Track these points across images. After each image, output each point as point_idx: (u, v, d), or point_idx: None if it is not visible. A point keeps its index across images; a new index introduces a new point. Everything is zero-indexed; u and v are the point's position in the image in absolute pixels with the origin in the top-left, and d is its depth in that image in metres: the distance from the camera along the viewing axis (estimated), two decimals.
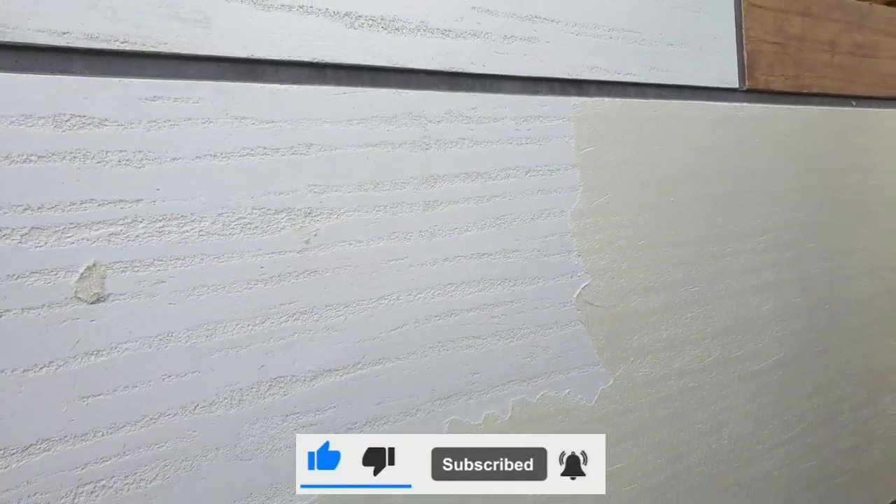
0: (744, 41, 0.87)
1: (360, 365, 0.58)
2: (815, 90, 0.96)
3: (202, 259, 0.51)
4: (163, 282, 0.49)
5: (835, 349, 1.01)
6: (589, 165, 0.72)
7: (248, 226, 0.52)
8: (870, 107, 1.08)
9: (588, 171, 0.72)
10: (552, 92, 0.70)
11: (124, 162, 0.48)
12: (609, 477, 0.75)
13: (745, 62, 0.86)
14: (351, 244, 0.57)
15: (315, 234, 0.55)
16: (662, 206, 0.79)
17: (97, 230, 0.47)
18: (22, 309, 0.44)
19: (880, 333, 1.09)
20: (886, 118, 1.11)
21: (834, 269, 1.01)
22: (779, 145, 0.92)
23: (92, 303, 0.47)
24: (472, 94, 0.64)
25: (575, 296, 0.72)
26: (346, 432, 0.57)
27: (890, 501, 1.12)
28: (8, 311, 0.44)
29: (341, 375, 0.57)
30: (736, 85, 0.87)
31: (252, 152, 0.53)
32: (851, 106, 1.02)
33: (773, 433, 0.92)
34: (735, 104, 0.86)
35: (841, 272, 1.02)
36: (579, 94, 0.72)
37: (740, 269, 0.88)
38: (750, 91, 0.89)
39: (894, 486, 1.13)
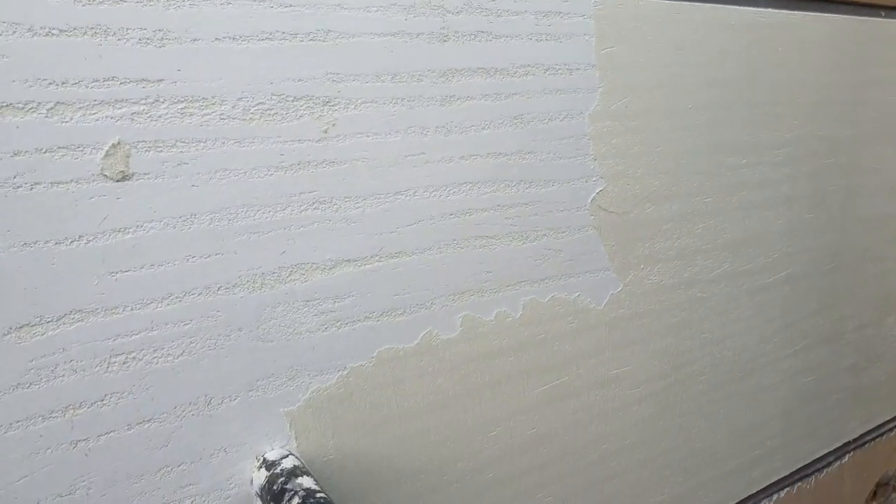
0: None
1: (377, 257, 0.59)
2: None
3: (223, 143, 0.51)
4: (185, 163, 0.50)
5: (844, 268, 1.02)
6: (608, 66, 0.71)
7: (268, 112, 0.53)
8: None
9: (607, 72, 0.71)
10: None
11: (144, 40, 0.48)
12: (615, 380, 0.77)
13: None
14: (368, 136, 0.57)
15: (333, 124, 0.56)
16: (680, 112, 0.79)
17: (120, 108, 0.47)
18: (51, 183, 0.45)
19: (891, 254, 1.10)
20: None
21: (849, 187, 1.01)
22: (802, 55, 0.90)
23: (118, 180, 0.47)
24: None
25: (589, 200, 0.72)
26: (363, 320, 0.59)
27: (889, 417, 1.15)
28: (38, 183, 0.45)
29: (359, 266, 0.58)
30: None
31: (271, 36, 0.52)
32: (881, 16, 0.99)
33: (776, 347, 0.94)
34: (760, 9, 0.84)
35: (856, 190, 1.02)
36: None
37: (755, 181, 0.88)
38: None
39: (891, 404, 1.16)
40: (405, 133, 0.59)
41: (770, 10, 0.85)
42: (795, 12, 0.88)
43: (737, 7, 0.81)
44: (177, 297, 0.50)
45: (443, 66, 0.60)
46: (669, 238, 0.80)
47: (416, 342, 0.62)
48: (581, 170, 0.71)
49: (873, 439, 1.12)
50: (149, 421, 0.50)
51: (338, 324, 0.58)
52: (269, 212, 0.54)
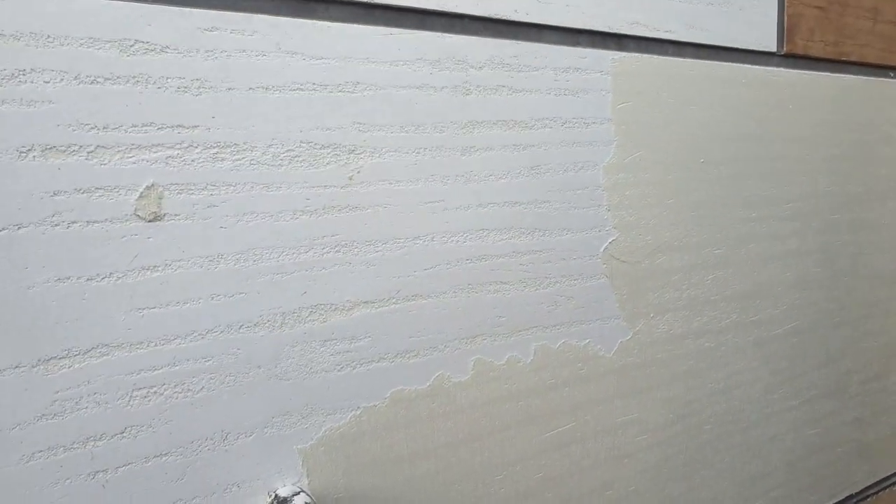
0: (785, 4, 0.86)
1: (394, 299, 0.61)
2: (854, 58, 0.96)
3: (252, 187, 0.53)
4: (215, 206, 0.52)
5: (850, 322, 1.03)
6: (624, 121, 0.73)
7: (296, 158, 0.55)
8: None
9: (623, 126, 0.73)
10: (592, 45, 0.71)
11: (182, 89, 0.50)
12: (622, 427, 0.78)
13: (786, 25, 0.86)
14: (391, 183, 0.59)
15: (358, 171, 0.58)
16: (692, 166, 0.80)
17: (156, 152, 0.49)
18: (87, 221, 0.47)
19: None
20: None
21: (857, 243, 1.02)
22: (813, 113, 0.93)
23: (150, 221, 0.49)
24: (514, 41, 0.65)
25: (602, 250, 0.74)
26: (378, 361, 0.60)
27: (892, 472, 1.15)
28: (75, 222, 0.46)
29: (377, 308, 0.60)
30: (774, 49, 0.87)
31: (301, 87, 0.55)
32: (890, 77, 1.02)
33: (782, 398, 0.95)
34: (772, 68, 0.87)
35: (864, 246, 1.03)
36: (619, 48, 0.73)
37: (764, 234, 0.89)
38: (788, 56, 0.89)
39: (895, 458, 1.15)
40: (426, 181, 0.61)
41: (782, 69, 0.88)
42: (807, 72, 0.90)
43: (750, 66, 0.84)
44: (200, 335, 0.52)
45: (464, 119, 0.62)
46: (679, 288, 0.81)
47: (428, 384, 0.64)
48: (594, 220, 0.73)
49: (876, 493, 1.11)
50: (166, 454, 0.51)
51: (353, 364, 0.59)
52: (294, 254, 0.55)
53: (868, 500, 1.09)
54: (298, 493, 0.55)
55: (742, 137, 0.85)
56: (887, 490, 1.13)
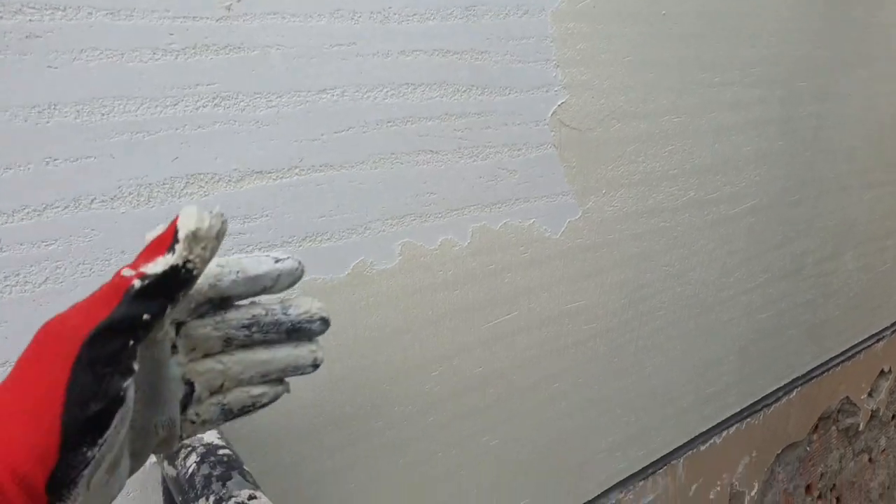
0: None
1: (296, 169, 0.49)
2: None
3: (90, 14, 0.40)
4: (38, 37, 0.38)
5: (809, 199, 0.97)
6: None
7: None
8: None
9: None
10: None
11: None
12: (569, 314, 0.70)
13: None
14: (284, 18, 0.46)
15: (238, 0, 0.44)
16: (652, 19, 0.69)
17: None
18: None
19: (855, 186, 1.05)
20: None
21: (820, 114, 0.95)
22: None
23: None
24: None
25: (549, 114, 0.63)
26: (281, 245, 0.50)
27: (839, 352, 1.14)
28: None
29: (274, 180, 0.48)
30: None
31: None
32: None
33: (737, 281, 0.90)
34: None
35: (826, 117, 0.96)
36: None
37: (727, 102, 0.80)
38: None
39: (842, 339, 1.15)
40: (331, 17, 0.48)
41: None
42: None
43: None
44: (35, 210, 0.40)
45: None
46: (635, 161, 0.72)
47: (346, 273, 0.54)
48: (541, 77, 0.62)
49: (820, 374, 1.11)
50: (2, 364, 0.41)
51: (248, 249, 0.48)
52: (156, 108, 0.43)
53: (812, 381, 1.09)
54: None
55: None
56: (830, 371, 1.13)
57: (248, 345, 0.34)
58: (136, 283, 0.25)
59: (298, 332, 0.34)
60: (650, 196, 0.75)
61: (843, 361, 1.15)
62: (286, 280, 0.33)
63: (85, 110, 0.41)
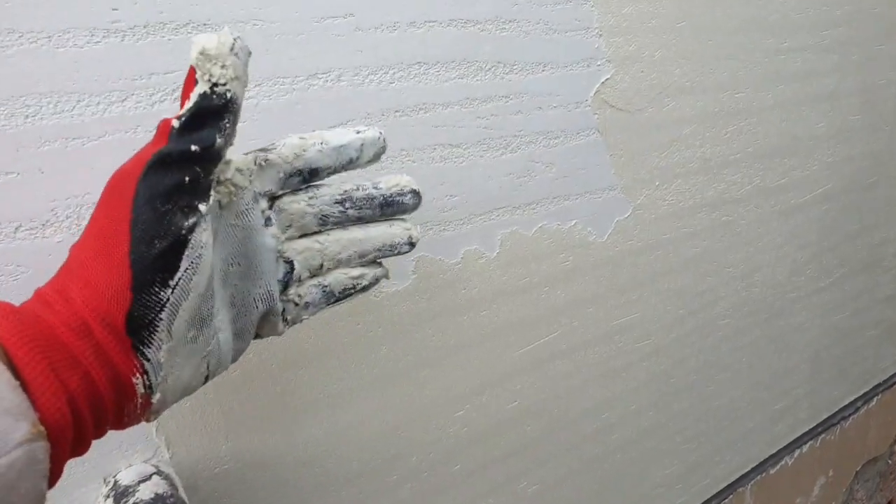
0: None
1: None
2: None
3: None
4: None
5: (886, 181, 0.84)
6: None
7: None
8: None
9: None
10: None
11: None
12: (619, 331, 0.60)
13: None
14: None
15: None
16: None
17: None
18: None
19: None
20: None
21: None
22: None
23: None
24: None
25: (592, 93, 0.53)
26: None
27: None
28: None
29: None
30: None
31: None
32: None
33: (809, 280, 0.78)
34: None
35: None
36: None
37: (797, 72, 0.68)
38: None
39: None
40: None
41: None
42: None
43: None
44: None
45: None
46: (692, 145, 0.61)
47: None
48: (581, 49, 0.51)
49: None
50: None
51: None
52: (97, 105, 0.34)
53: (894, 387, 0.96)
54: (150, 476, 0.36)
55: None
56: None
57: (343, 223, 0.34)
58: (175, 122, 0.25)
59: (391, 206, 0.35)
60: (710, 186, 0.64)
61: None
62: (370, 150, 0.33)
63: (2, 113, 0.31)
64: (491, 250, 0.50)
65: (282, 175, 0.31)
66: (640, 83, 0.55)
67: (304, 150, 0.31)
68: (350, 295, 0.35)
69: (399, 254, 0.36)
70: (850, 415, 0.88)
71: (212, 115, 0.26)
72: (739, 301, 0.70)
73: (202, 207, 0.26)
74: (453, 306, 0.49)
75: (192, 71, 0.26)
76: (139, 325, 0.24)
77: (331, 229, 0.33)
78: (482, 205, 0.49)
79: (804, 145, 0.72)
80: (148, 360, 0.25)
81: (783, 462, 0.80)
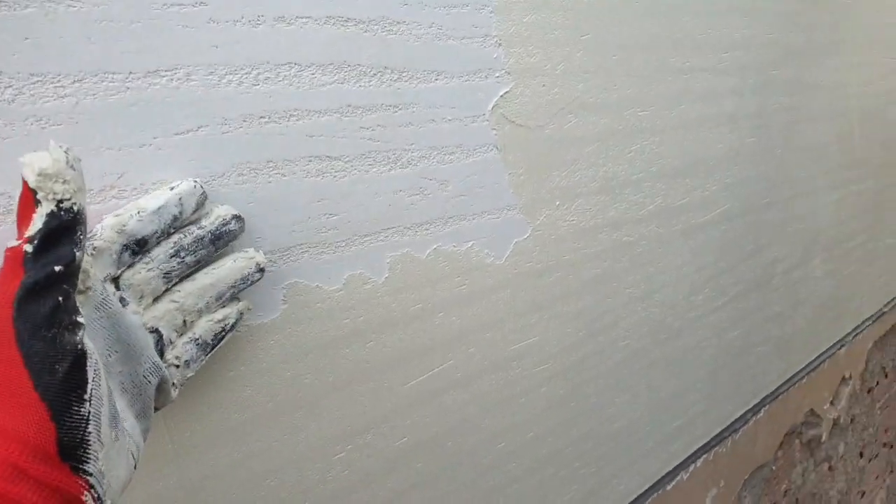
0: None
1: (114, 191, 0.33)
2: None
3: None
4: None
5: (779, 203, 0.86)
6: None
7: None
8: None
9: None
10: None
11: None
12: (517, 357, 0.56)
13: None
14: None
15: None
16: None
17: None
18: None
19: (824, 187, 0.96)
20: None
21: (792, 107, 0.84)
22: None
23: None
24: None
25: (490, 106, 0.49)
26: None
27: (805, 364, 1.05)
28: None
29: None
30: None
31: None
32: None
33: (707, 299, 0.78)
34: None
35: (798, 110, 0.85)
36: None
37: (699, 92, 0.68)
38: None
39: (808, 350, 1.06)
40: None
41: None
42: None
43: None
44: None
45: None
46: (594, 164, 0.59)
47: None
48: (479, 58, 0.47)
49: (786, 389, 1.01)
50: None
51: None
52: None
53: (779, 398, 0.99)
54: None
55: None
56: (796, 385, 1.04)
57: (188, 274, 0.35)
58: (27, 247, 0.25)
59: (221, 238, 0.35)
60: (611, 206, 0.62)
61: (808, 373, 1.06)
62: (191, 201, 0.34)
63: None
64: (378, 275, 0.45)
65: (114, 256, 0.31)
66: (541, 97, 0.52)
67: (124, 225, 0.32)
68: (223, 337, 0.36)
69: (253, 283, 0.37)
70: (740, 427, 0.90)
71: (64, 231, 0.25)
72: (639, 322, 0.69)
73: (80, 319, 0.26)
74: (333, 338, 0.44)
75: (28, 191, 0.25)
76: (72, 447, 0.24)
77: (179, 283, 0.34)
78: (368, 225, 0.44)
79: (704, 166, 0.72)
80: (91, 474, 0.25)
81: (679, 478, 0.80)
